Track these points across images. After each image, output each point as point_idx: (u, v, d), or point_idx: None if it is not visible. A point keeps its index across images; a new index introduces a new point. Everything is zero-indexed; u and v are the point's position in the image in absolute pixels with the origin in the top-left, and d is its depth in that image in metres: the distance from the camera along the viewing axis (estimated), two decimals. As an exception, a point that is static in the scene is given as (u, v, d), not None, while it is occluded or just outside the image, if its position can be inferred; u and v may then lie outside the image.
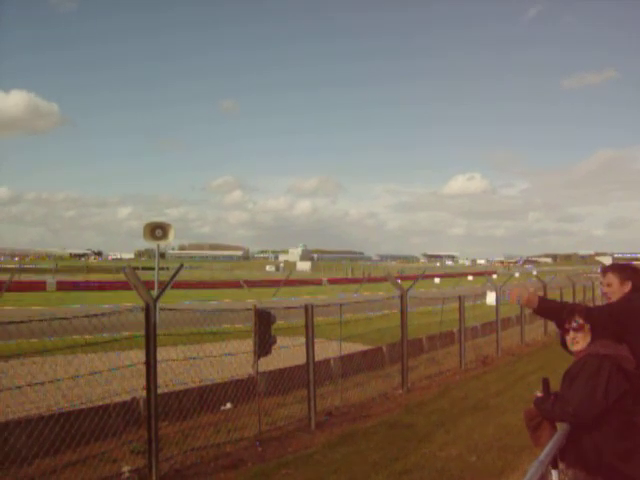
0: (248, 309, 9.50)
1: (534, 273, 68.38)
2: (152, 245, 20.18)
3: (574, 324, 3.93)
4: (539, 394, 3.93)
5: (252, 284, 54.73)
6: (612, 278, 4.44)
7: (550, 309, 4.40)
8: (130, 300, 7.06)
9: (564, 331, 4.01)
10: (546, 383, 3.90)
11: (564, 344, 4.03)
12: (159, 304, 7.17)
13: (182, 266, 8.08)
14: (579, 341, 3.93)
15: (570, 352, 4.00)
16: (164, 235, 19.14)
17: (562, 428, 3.67)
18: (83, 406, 7.83)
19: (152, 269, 18.39)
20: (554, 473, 3.54)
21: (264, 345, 9.27)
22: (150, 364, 7.05)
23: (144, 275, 10.09)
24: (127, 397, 8.39)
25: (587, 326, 3.91)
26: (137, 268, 49.35)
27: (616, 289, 4.43)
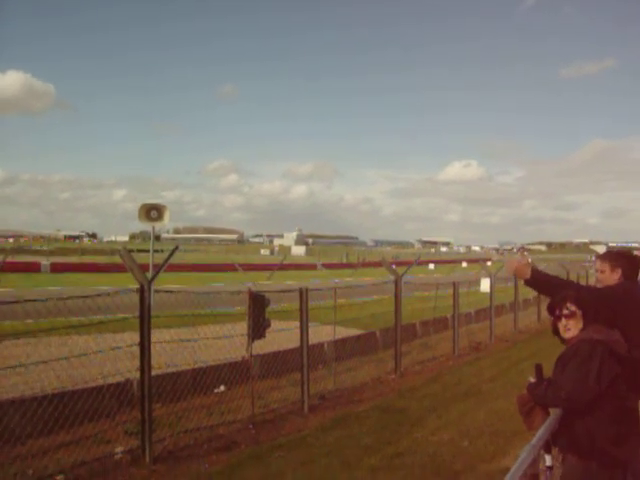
0: (242, 292, 9.49)
1: (529, 260, 68.52)
2: (147, 226, 20.19)
3: (566, 311, 3.93)
4: (532, 379, 3.94)
5: (248, 267, 54.58)
6: (604, 265, 4.63)
7: (542, 282, 4.55)
8: (125, 282, 7.05)
9: (556, 318, 4.00)
10: (539, 369, 3.90)
11: (556, 331, 4.03)
12: (154, 285, 7.16)
13: (177, 248, 8.08)
14: (571, 328, 3.91)
15: (562, 339, 4.00)
16: (159, 217, 19.13)
17: (555, 413, 3.68)
18: (77, 387, 7.83)
19: (147, 251, 18.39)
20: (547, 457, 3.56)
21: (258, 328, 9.26)
22: (144, 345, 7.05)
23: (139, 257, 10.08)
24: (121, 378, 8.39)
25: (579, 312, 3.91)
26: (132, 250, 49.18)
27: (607, 276, 4.61)
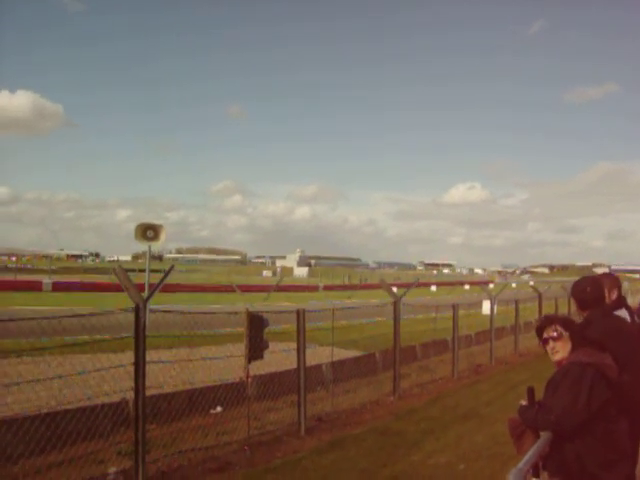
0: (239, 312, 9.46)
1: (531, 284, 68.48)
2: (144, 246, 20.19)
3: (553, 333, 3.90)
4: (524, 403, 3.91)
5: (246, 289, 54.40)
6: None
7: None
8: (125, 302, 7.06)
9: (544, 341, 3.98)
10: (531, 392, 3.85)
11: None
12: (149, 305, 7.14)
13: (173, 267, 8.08)
14: (559, 350, 3.88)
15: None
16: (155, 236, 19.14)
17: (544, 436, 3.63)
18: (71, 406, 7.78)
19: (150, 271, 18.37)
20: None
21: (256, 349, 9.22)
22: (139, 365, 7.01)
23: (141, 277, 10.08)
24: (116, 398, 8.34)
25: (566, 334, 3.88)
26: (133, 270, 49.47)
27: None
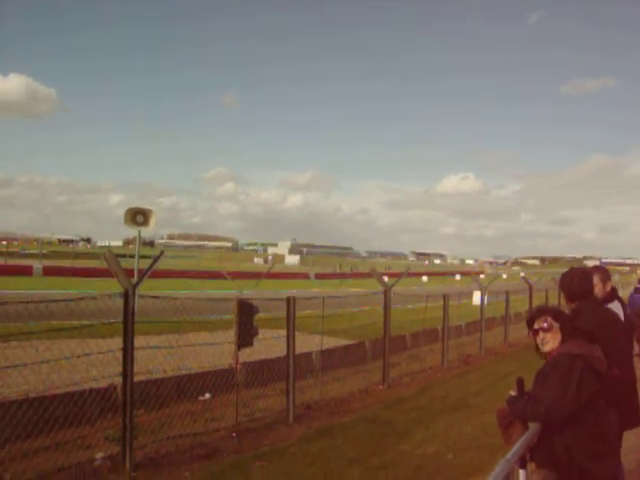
0: (230, 299, 9.43)
1: (521, 275, 68.65)
2: (134, 231, 20.07)
3: (544, 324, 3.89)
4: (513, 393, 3.89)
5: (236, 275, 54.48)
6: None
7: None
8: (115, 287, 7.01)
9: (534, 333, 3.96)
10: (520, 382, 3.84)
11: (537, 347, 3.99)
12: (138, 290, 7.10)
13: (162, 253, 7.99)
14: (549, 341, 3.88)
15: (542, 354, 3.96)
16: (145, 221, 19.02)
17: (533, 428, 3.62)
18: (59, 391, 7.74)
19: (140, 257, 18.25)
20: (521, 473, 3.48)
21: (245, 336, 9.19)
22: (127, 351, 6.97)
23: (131, 263, 10.01)
24: (104, 383, 8.29)
25: (556, 325, 3.87)
26: (124, 255, 49.20)
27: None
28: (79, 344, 7.97)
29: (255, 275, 55.22)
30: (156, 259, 7.62)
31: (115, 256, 7.20)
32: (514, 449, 3.16)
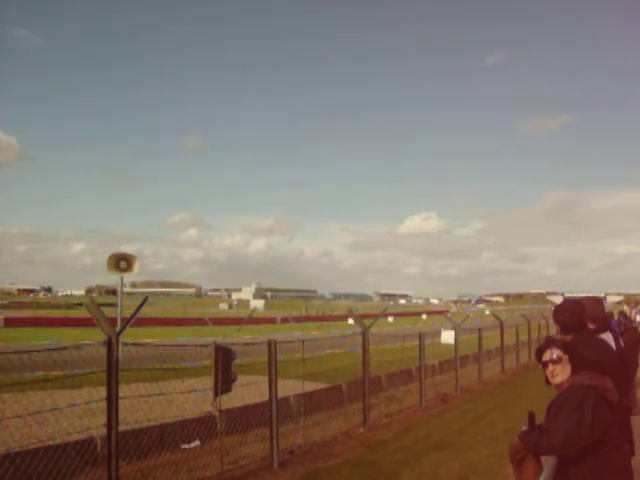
0: (209, 345, 9.32)
1: (487, 312, 69.22)
2: (116, 277, 19.68)
3: (553, 356, 3.90)
4: (525, 428, 3.86)
5: (217, 321, 55.48)
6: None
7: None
8: (86, 336, 6.82)
9: (543, 365, 3.96)
10: (531, 416, 3.79)
11: (547, 381, 3.98)
12: (122, 338, 6.97)
13: (146, 299, 7.87)
14: (558, 374, 3.87)
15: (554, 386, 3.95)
16: (128, 267, 18.73)
17: (547, 462, 3.60)
18: (38, 445, 7.48)
19: (104, 305, 17.88)
20: None
21: (224, 382, 9.07)
22: (112, 400, 6.80)
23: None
24: (84, 435, 8.06)
25: (565, 357, 3.88)
26: (81, 304, 48.37)
27: None
28: (61, 395, 7.77)
29: (235, 321, 55.32)
30: (140, 306, 7.51)
31: (97, 305, 7.07)
32: None
